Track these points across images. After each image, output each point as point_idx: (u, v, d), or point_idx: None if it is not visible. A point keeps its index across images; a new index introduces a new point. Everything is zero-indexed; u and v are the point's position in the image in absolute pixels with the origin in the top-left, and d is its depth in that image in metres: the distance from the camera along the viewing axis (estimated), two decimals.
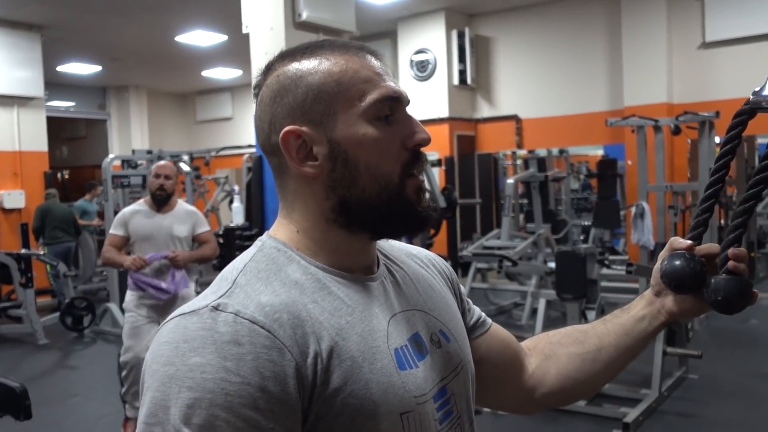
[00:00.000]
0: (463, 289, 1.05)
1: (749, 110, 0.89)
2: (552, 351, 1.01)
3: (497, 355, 1.01)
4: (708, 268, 0.89)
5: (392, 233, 0.86)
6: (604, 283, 6.09)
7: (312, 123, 0.80)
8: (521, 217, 8.76)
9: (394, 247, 0.97)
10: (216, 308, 0.71)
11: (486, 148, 9.51)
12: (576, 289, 4.49)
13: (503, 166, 10.11)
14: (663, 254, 0.93)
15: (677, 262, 0.89)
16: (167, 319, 0.74)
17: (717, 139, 5.96)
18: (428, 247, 6.43)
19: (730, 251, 0.87)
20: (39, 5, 7.89)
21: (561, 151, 9.56)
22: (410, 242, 1.10)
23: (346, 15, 5.59)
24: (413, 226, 0.84)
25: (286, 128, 0.80)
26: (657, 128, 6.06)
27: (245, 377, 0.66)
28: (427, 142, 0.82)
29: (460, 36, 9.04)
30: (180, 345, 0.69)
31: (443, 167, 8.24)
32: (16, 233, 7.77)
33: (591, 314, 4.51)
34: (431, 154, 7.70)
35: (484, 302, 7.06)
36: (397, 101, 0.82)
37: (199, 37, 9.44)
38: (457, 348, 0.88)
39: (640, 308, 0.98)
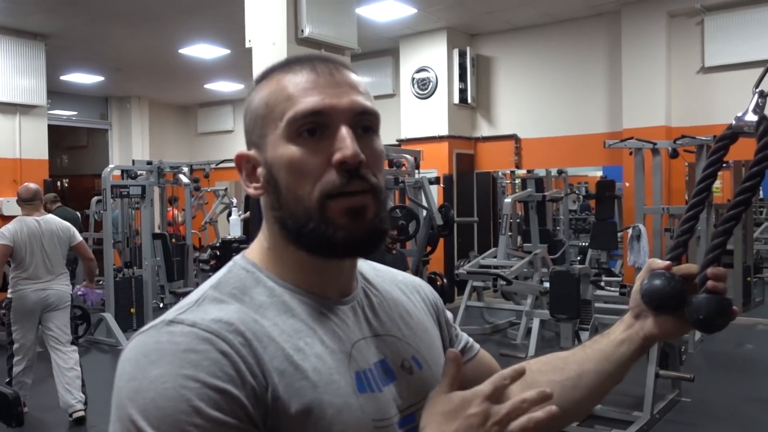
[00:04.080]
0: (450, 316, 1.04)
1: (731, 135, 0.91)
2: (533, 379, 0.97)
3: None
4: (687, 288, 0.88)
5: (332, 256, 0.80)
6: (598, 305, 6.09)
7: (255, 146, 0.83)
8: (518, 236, 8.78)
9: (379, 271, 0.96)
10: (172, 321, 0.73)
11: (485, 167, 9.55)
12: (570, 310, 4.50)
13: (502, 185, 10.14)
14: (641, 275, 0.92)
15: (657, 282, 0.89)
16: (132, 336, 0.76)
17: None
18: (424, 264, 6.44)
19: (710, 270, 0.86)
20: (44, 14, 7.96)
21: (560, 172, 9.60)
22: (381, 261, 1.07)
23: (348, 32, 5.63)
24: (343, 251, 0.80)
25: (238, 153, 0.84)
26: (655, 151, 6.10)
27: (204, 381, 0.67)
28: (349, 159, 0.76)
29: (462, 55, 9.10)
30: (140, 360, 0.70)
31: (442, 185, 8.27)
32: None
33: (585, 335, 4.51)
34: (430, 171, 7.74)
35: (479, 321, 7.06)
36: (319, 115, 0.78)
37: (203, 50, 9.51)
38: (430, 376, 0.86)
39: (619, 332, 0.96)
